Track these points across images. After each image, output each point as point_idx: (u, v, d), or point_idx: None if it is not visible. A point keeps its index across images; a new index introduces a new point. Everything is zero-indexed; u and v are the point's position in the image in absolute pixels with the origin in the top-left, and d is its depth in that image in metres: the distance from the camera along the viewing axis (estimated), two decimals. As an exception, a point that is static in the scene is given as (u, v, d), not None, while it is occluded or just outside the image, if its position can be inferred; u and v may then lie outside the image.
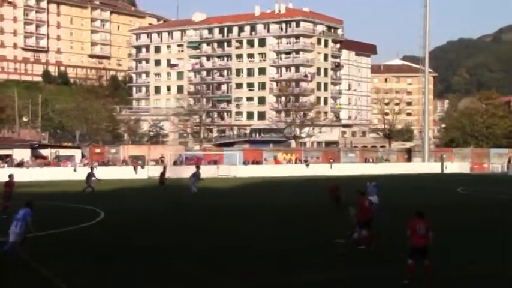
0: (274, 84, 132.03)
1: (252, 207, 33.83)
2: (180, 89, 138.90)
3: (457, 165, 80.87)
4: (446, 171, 77.41)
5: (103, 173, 52.25)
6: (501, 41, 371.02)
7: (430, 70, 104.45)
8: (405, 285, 14.86)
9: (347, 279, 16.03)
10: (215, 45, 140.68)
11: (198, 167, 43.30)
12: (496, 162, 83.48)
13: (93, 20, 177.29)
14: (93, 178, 43.59)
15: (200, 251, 19.80)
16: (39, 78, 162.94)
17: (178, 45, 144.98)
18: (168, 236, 23.37)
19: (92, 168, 48.08)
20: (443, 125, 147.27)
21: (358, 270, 17.08)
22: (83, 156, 69.43)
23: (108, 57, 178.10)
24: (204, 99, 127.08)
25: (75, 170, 60.92)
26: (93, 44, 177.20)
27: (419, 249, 15.05)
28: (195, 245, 21.02)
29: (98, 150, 72.61)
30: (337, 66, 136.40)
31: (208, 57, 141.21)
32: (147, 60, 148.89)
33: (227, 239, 22.52)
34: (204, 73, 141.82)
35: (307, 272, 16.65)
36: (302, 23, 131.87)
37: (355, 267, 17.46)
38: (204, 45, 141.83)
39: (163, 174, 46.26)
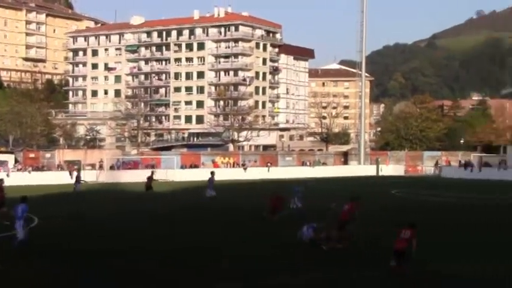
0: (213, 88, 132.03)
1: (195, 210, 33.74)
2: (117, 92, 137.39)
3: (392, 168, 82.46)
4: (381, 173, 78.81)
5: (37, 179, 51.28)
6: (435, 46, 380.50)
7: (367, 74, 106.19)
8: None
9: (325, 279, 16.29)
10: (153, 48, 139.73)
11: (212, 173, 42.52)
12: (429, 164, 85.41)
13: (28, 22, 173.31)
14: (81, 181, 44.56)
15: (163, 251, 19.66)
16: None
17: (116, 49, 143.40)
18: (111, 240, 23.01)
19: (78, 170, 48.04)
20: (379, 129, 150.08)
21: (331, 269, 17.47)
22: (16, 161, 67.87)
23: (43, 61, 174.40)
24: (142, 103, 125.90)
25: (8, 176, 59.46)
26: (28, 46, 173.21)
27: (398, 251, 16.22)
28: (148, 248, 20.84)
29: (32, 155, 71.13)
30: (276, 70, 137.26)
31: (147, 60, 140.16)
32: (84, 64, 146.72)
33: (190, 240, 22.51)
34: (142, 77, 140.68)
35: (285, 274, 16.81)
36: (241, 27, 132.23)
37: (328, 267, 17.80)
38: (143, 49, 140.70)
39: (150, 178, 45.19)
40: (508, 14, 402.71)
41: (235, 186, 56.05)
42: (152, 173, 48.74)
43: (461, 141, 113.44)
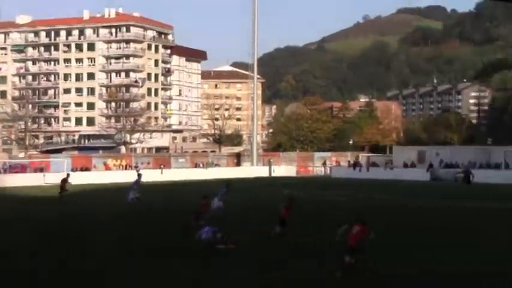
0: (104, 89, 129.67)
1: (134, 213, 33.04)
2: (3, 94, 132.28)
3: (284, 168, 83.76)
4: (273, 174, 79.91)
5: None
6: (324, 49, 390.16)
7: (259, 76, 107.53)
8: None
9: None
10: (41, 49, 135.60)
11: (139, 175, 40.96)
12: (319, 165, 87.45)
13: None
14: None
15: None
16: None
17: (2, 48, 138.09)
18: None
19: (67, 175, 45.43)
20: (271, 130, 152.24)
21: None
22: None
23: None
24: (30, 105, 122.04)
25: None
26: None
27: (350, 248, 16.57)
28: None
29: None
30: (168, 72, 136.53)
31: (34, 61, 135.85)
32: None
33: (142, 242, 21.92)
34: (30, 78, 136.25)
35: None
36: (132, 28, 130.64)
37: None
38: (30, 49, 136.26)
39: (64, 181, 43.51)
40: (392, 19, 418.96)
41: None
42: (68, 175, 47.42)
43: (350, 141, 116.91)
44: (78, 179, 66.29)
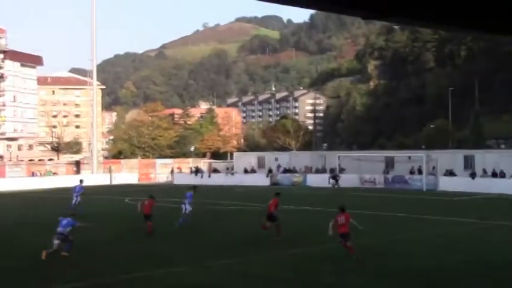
0: None
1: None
2: None
3: (126, 176, 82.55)
4: (114, 182, 78.51)
5: None
6: (164, 56, 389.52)
7: (98, 83, 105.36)
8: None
9: None
10: None
11: (81, 181, 39.95)
12: (161, 172, 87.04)
13: None
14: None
15: None
16: None
17: None
18: None
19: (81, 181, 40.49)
20: (112, 137, 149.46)
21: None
22: None
23: None
24: None
25: None
26: None
27: (343, 234, 20.49)
28: None
29: None
30: (1, 78, 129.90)
31: None
32: None
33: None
34: None
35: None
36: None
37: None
38: None
39: None
40: (231, 28, 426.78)
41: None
42: None
43: (192, 148, 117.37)
44: None
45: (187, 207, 30.31)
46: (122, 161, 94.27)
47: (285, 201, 44.75)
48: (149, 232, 27.18)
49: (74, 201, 37.44)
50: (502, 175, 53.89)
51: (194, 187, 32.87)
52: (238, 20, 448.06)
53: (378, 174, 62.57)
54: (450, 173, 58.23)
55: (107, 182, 78.21)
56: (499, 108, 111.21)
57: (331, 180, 59.10)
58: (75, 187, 38.80)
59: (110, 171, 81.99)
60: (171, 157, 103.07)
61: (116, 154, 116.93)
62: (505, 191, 49.14)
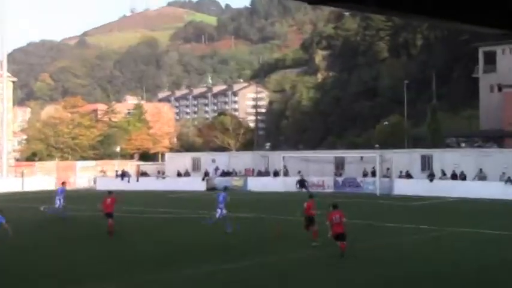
0: None
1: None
2: None
3: (41, 180, 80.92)
4: (27, 188, 76.88)
5: None
6: (86, 44, 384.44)
7: (9, 74, 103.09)
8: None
9: None
10: None
11: (63, 183, 41.56)
12: (83, 176, 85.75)
13: None
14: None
15: None
16: None
17: None
18: None
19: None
20: (25, 137, 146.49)
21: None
22: None
23: None
24: None
25: None
26: None
27: (338, 234, 22.26)
28: None
29: None
30: None
31: None
32: None
33: None
34: None
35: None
36: None
37: None
38: None
39: None
40: (162, 13, 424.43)
41: None
42: None
43: (117, 149, 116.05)
44: None
45: (222, 212, 31.22)
46: (37, 163, 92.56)
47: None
48: (110, 231, 28.00)
49: (57, 205, 38.99)
50: (463, 177, 54.89)
51: (225, 188, 33.47)
52: (170, 4, 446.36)
53: (327, 176, 63.00)
54: (406, 174, 59.06)
55: (19, 188, 76.52)
56: (458, 103, 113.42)
57: (298, 186, 59.54)
58: (57, 190, 40.39)
59: (22, 175, 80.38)
60: (93, 159, 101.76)
61: (30, 156, 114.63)
62: (466, 195, 50.10)
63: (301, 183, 60.30)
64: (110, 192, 31.71)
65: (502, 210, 42.34)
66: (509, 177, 51.10)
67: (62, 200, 39.20)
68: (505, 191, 49.83)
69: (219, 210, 31.23)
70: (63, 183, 41.68)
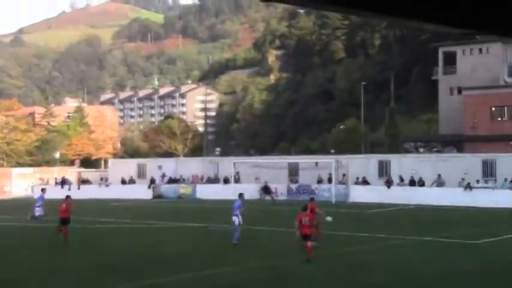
0: None
1: None
2: None
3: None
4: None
5: None
6: (22, 42, 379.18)
7: None
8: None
9: None
10: None
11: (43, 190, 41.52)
12: (19, 184, 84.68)
13: None
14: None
15: None
16: None
17: None
18: None
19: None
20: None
21: None
22: None
23: None
24: None
25: None
26: None
27: (305, 235, 23.96)
28: None
29: None
30: None
31: None
32: None
33: None
34: None
35: None
36: None
37: None
38: None
39: None
40: (105, 9, 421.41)
41: None
42: None
43: (57, 155, 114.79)
44: None
45: (239, 220, 30.94)
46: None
47: (169, 218, 44.58)
48: (65, 239, 28.45)
49: (37, 213, 39.06)
50: (421, 183, 55.64)
51: (240, 194, 33.10)
52: (113, 0, 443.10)
53: (281, 183, 63.21)
54: (363, 181, 59.63)
55: None
56: (416, 106, 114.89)
57: (263, 194, 59.66)
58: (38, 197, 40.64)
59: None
60: (30, 165, 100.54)
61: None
62: (424, 202, 50.82)
63: (266, 189, 60.40)
64: (67, 197, 32.28)
65: (460, 217, 43.01)
66: (468, 183, 51.98)
67: (40, 208, 38.99)
68: (464, 198, 50.69)
69: (236, 218, 31.04)
70: (42, 189, 41.79)
